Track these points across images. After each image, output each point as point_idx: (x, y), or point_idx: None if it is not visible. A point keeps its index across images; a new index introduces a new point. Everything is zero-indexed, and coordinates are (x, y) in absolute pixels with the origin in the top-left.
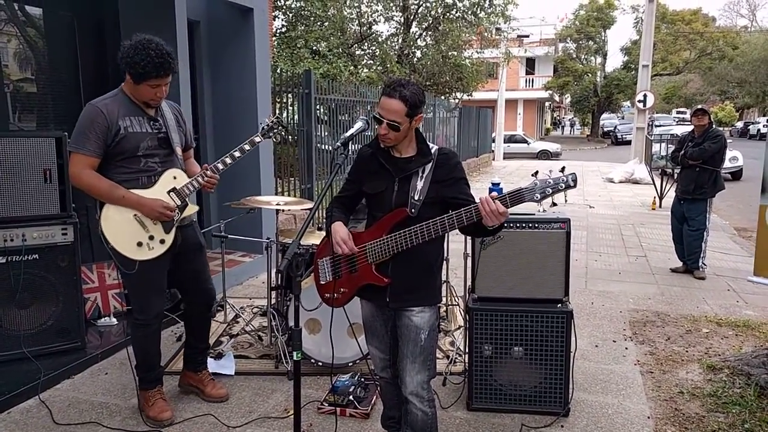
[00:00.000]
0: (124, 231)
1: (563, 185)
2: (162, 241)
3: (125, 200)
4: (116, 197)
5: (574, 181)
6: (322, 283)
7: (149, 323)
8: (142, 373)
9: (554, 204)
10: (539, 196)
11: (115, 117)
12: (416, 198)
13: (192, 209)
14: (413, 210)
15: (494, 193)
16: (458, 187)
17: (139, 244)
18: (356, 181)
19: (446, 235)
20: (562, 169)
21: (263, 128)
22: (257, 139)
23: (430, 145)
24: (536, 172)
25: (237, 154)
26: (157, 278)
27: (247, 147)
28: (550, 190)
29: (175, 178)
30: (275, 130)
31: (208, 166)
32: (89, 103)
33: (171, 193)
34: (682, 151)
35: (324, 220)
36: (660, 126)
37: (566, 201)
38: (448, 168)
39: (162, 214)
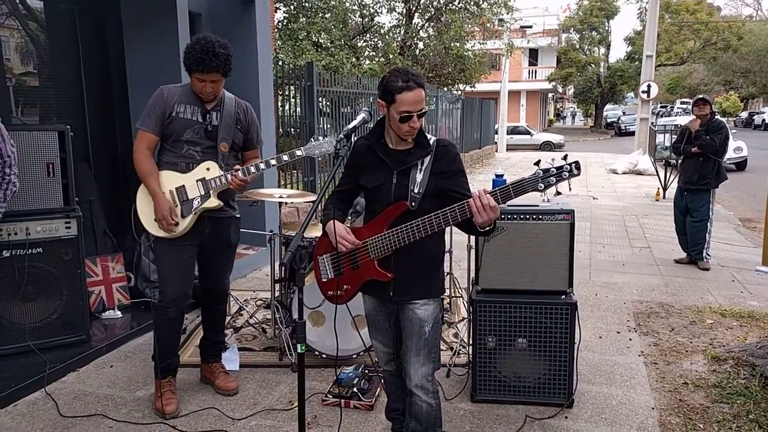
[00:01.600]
0: (149, 207)
1: (567, 174)
2: (176, 224)
3: (149, 188)
4: (146, 182)
5: (578, 168)
6: (324, 281)
7: (166, 308)
8: (155, 357)
9: (559, 193)
10: (543, 186)
11: (173, 101)
12: (416, 191)
13: (212, 202)
14: (413, 203)
15: (486, 187)
16: (456, 179)
17: (156, 219)
18: (352, 174)
19: (450, 226)
20: (565, 158)
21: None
22: (298, 153)
23: (429, 136)
24: (538, 161)
25: (273, 162)
26: (175, 262)
27: (285, 158)
28: (554, 180)
29: (208, 169)
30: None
31: (241, 168)
32: (160, 87)
33: (199, 182)
34: (684, 142)
35: (322, 213)
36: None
37: (570, 189)
38: (448, 160)
39: (161, 219)
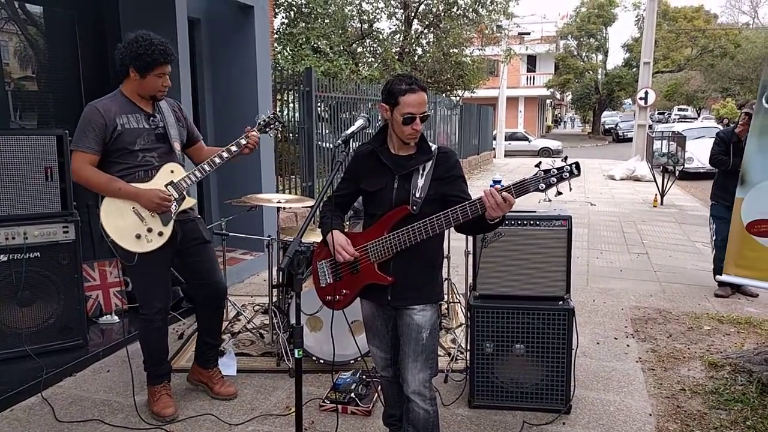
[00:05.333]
0: (123, 223)
1: (567, 174)
2: (160, 234)
3: (122, 192)
4: (113, 189)
5: (578, 169)
6: (323, 286)
7: (152, 319)
8: (148, 367)
9: (559, 193)
10: (544, 186)
11: (113, 115)
12: (417, 195)
13: (189, 202)
14: (415, 207)
15: (498, 186)
16: (457, 184)
17: (138, 236)
18: (354, 179)
19: (447, 233)
20: (565, 159)
21: (259, 123)
22: (243, 142)
23: (430, 144)
24: (539, 163)
25: (225, 155)
26: (157, 273)
27: (233, 148)
28: (555, 180)
29: (172, 171)
30: (272, 126)
31: (207, 161)
32: (89, 104)
33: (168, 186)
34: (732, 154)
35: (320, 219)
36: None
37: (570, 189)
38: (448, 166)
39: (159, 205)
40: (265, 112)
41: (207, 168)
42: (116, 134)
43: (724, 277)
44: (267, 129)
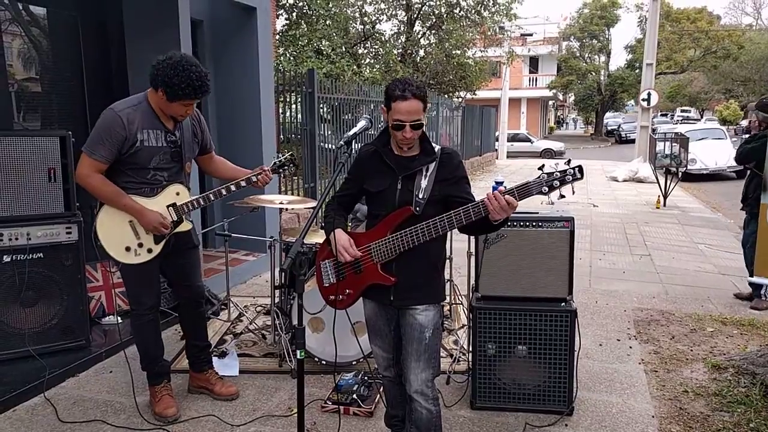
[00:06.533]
0: (116, 233)
1: (570, 177)
2: (149, 250)
3: (127, 208)
4: (119, 204)
5: (581, 172)
6: (326, 285)
7: (143, 314)
8: (146, 365)
9: (562, 196)
10: (547, 189)
11: (135, 129)
12: (421, 197)
13: (186, 226)
14: (418, 208)
15: (502, 188)
16: (460, 186)
17: (128, 248)
18: (357, 179)
19: (450, 234)
20: (568, 162)
21: (274, 163)
22: (253, 179)
23: (433, 144)
24: (542, 166)
25: (233, 188)
26: (146, 275)
27: (243, 183)
28: (558, 183)
29: (177, 194)
30: (286, 167)
31: (213, 191)
32: (111, 109)
33: (170, 207)
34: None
35: (323, 219)
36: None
37: (573, 193)
38: (452, 167)
39: (156, 229)
40: (282, 153)
41: (212, 197)
42: (134, 150)
43: (755, 279)
44: (280, 170)
